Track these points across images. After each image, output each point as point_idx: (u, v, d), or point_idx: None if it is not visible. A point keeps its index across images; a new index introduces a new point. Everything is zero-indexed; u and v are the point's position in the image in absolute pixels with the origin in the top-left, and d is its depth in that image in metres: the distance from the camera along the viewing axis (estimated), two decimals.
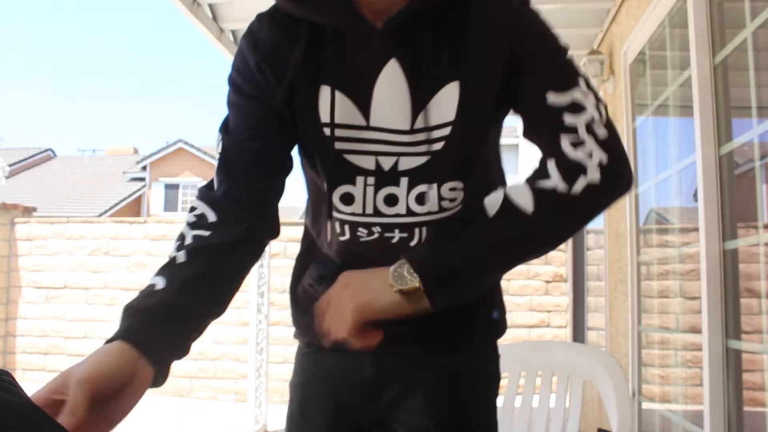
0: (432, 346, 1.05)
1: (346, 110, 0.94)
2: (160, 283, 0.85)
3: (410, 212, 0.97)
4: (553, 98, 0.90)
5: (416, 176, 0.95)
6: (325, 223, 1.02)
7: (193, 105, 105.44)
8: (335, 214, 0.99)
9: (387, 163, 0.96)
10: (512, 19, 0.93)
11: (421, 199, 0.96)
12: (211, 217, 0.93)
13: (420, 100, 0.93)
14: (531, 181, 0.89)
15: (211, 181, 0.98)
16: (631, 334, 3.37)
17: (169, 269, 0.88)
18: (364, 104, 0.94)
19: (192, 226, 0.92)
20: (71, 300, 7.36)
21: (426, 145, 0.94)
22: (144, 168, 23.19)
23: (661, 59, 3.09)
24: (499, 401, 2.32)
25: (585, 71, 4.08)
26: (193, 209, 0.96)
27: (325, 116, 0.94)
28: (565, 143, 0.88)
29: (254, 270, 5.16)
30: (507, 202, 0.88)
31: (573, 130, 0.88)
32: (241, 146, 0.96)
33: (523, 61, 0.92)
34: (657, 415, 3.19)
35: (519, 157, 13.08)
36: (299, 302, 1.17)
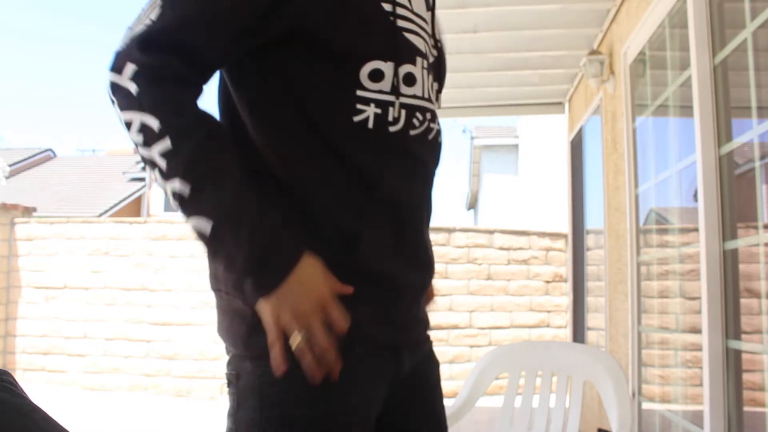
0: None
1: None
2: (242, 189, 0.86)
3: (432, 101, 1.02)
4: None
5: (430, 69, 1.02)
6: (365, 122, 0.93)
7: None
8: (391, 98, 0.94)
9: (428, 51, 1.00)
10: None
11: (437, 94, 1.05)
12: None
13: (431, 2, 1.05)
14: None
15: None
16: (631, 334, 3.37)
17: (225, 172, 0.86)
18: None
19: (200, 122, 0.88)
20: (71, 300, 7.35)
21: (432, 39, 1.04)
22: (144, 168, 23.17)
23: (661, 59, 3.09)
24: (499, 401, 2.33)
25: (585, 71, 4.06)
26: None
27: None
28: None
29: None
30: None
31: None
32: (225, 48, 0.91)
33: None
34: (657, 415, 3.19)
35: (519, 157, 13.07)
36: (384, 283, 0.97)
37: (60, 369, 7.23)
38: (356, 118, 0.93)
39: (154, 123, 0.84)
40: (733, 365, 2.21)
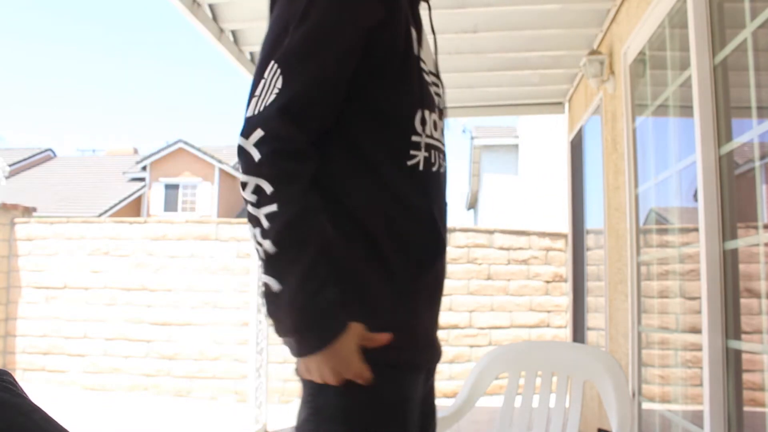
0: None
1: (424, 47, 1.18)
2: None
3: (441, 141, 1.19)
4: None
5: (441, 113, 1.21)
6: (416, 165, 1.12)
7: (193, 105, 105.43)
8: (430, 141, 1.14)
9: (437, 99, 1.20)
10: None
11: (442, 131, 1.20)
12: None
13: (434, 49, 1.26)
14: None
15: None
16: (631, 334, 3.37)
17: (307, 246, 0.99)
18: (425, 48, 1.19)
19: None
20: (71, 300, 7.36)
21: (439, 87, 1.22)
22: (144, 168, 23.17)
23: (661, 59, 3.09)
24: (499, 401, 2.32)
25: (585, 71, 4.06)
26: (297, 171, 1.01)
27: (416, 50, 1.14)
28: None
29: (254, 270, 5.16)
30: None
31: None
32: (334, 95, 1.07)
33: None
34: (657, 415, 3.19)
35: (519, 157, 13.07)
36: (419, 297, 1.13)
37: (60, 369, 7.23)
38: (409, 162, 1.11)
39: (268, 188, 0.98)
40: (733, 365, 2.21)
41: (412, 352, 1.10)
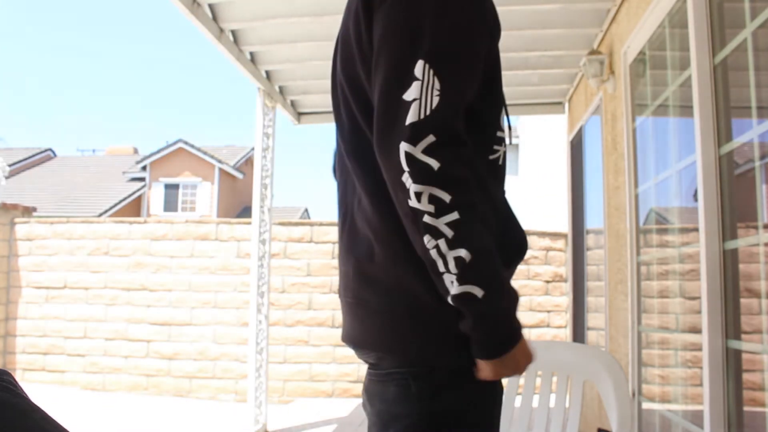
0: None
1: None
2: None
3: None
4: None
5: None
6: (497, 159, 1.16)
7: (193, 105, 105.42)
8: (504, 136, 1.17)
9: None
10: None
11: None
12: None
13: None
14: None
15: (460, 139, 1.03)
16: (631, 334, 3.37)
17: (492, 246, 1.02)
18: None
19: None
20: (71, 300, 7.35)
21: None
22: (144, 168, 23.17)
23: (661, 59, 3.09)
24: None
25: (585, 71, 4.06)
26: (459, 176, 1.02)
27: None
28: None
29: (254, 270, 5.16)
30: None
31: None
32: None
33: None
34: (657, 415, 3.19)
35: (519, 157, 13.07)
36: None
37: (60, 369, 7.23)
38: (491, 157, 1.13)
39: (446, 197, 0.96)
40: (733, 365, 2.21)
41: None
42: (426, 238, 0.97)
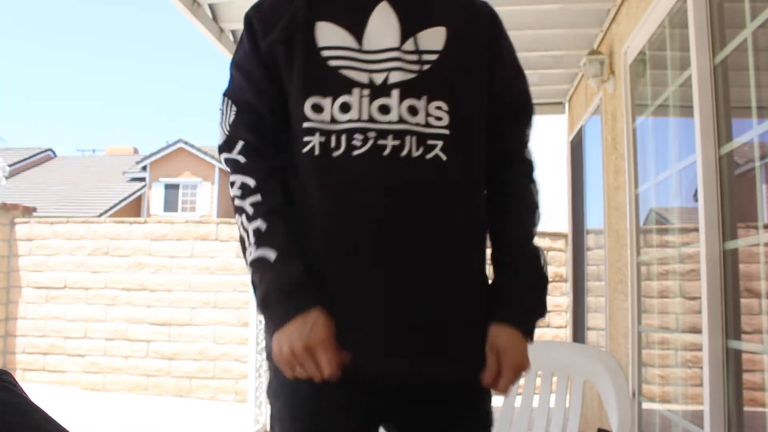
0: None
1: (339, 36, 1.14)
2: (276, 254, 1.07)
3: (402, 120, 1.11)
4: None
5: (406, 90, 1.12)
6: (311, 150, 1.12)
7: (193, 105, 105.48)
8: (332, 126, 1.11)
9: (378, 78, 1.12)
10: (489, 16, 1.29)
11: (413, 110, 1.11)
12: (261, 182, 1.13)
13: (408, 31, 1.14)
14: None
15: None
16: (631, 334, 3.37)
17: (268, 239, 1.08)
18: (357, 33, 1.14)
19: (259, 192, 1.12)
20: (71, 300, 7.36)
21: (415, 64, 1.13)
22: (144, 168, 23.17)
23: (661, 59, 3.09)
24: (500, 401, 2.32)
25: (585, 71, 4.06)
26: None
27: (322, 42, 1.14)
28: None
29: None
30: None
31: None
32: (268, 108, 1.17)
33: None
34: (657, 415, 3.19)
35: None
36: None
37: (60, 369, 7.23)
38: (304, 149, 1.12)
39: (251, 182, 1.11)
40: (733, 365, 2.21)
41: None
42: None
